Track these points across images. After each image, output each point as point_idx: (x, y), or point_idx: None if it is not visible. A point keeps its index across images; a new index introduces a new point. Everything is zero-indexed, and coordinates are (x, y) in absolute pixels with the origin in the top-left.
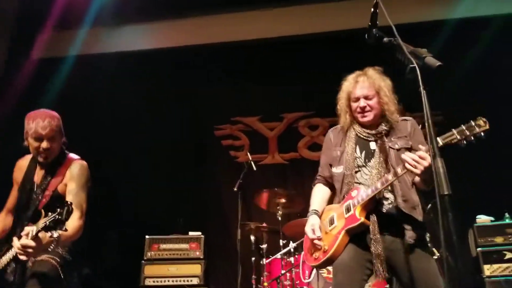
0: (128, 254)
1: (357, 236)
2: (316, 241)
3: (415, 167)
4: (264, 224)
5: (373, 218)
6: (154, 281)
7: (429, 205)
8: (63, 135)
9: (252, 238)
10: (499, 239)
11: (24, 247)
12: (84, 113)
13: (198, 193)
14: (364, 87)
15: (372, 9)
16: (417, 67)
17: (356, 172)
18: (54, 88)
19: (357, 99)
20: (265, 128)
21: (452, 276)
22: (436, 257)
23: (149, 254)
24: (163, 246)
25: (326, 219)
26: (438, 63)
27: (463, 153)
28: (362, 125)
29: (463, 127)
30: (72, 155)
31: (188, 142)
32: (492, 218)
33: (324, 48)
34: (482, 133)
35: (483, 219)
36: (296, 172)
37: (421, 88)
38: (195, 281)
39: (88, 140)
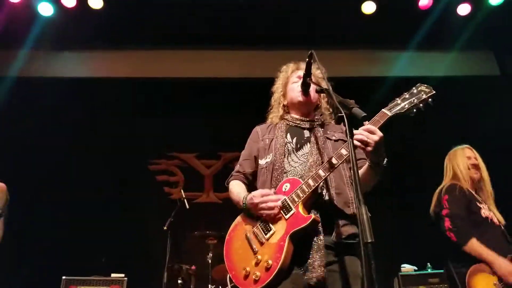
0: None
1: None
2: (253, 256)
3: (367, 144)
4: (193, 267)
5: (317, 215)
6: None
7: None
8: None
9: (180, 281)
10: None
11: None
12: (11, 137)
13: (125, 231)
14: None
15: (307, 59)
16: (345, 116)
17: (284, 158)
18: None
19: (300, 78)
20: (202, 165)
21: None
22: None
23: None
24: None
25: (257, 225)
26: (363, 114)
27: (390, 203)
28: (295, 111)
29: (406, 95)
30: None
31: (119, 175)
32: (416, 268)
33: (267, 91)
34: (430, 99)
35: (407, 268)
36: (231, 212)
37: (348, 136)
38: None
39: (9, 164)
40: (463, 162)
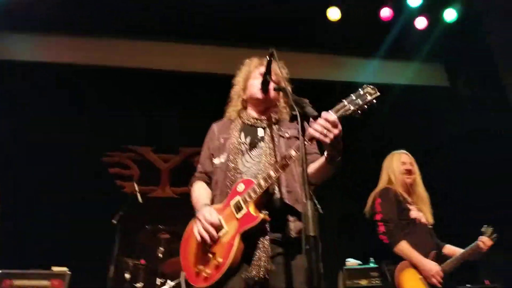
0: None
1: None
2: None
3: (325, 136)
4: (142, 261)
5: (267, 213)
6: None
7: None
8: None
9: (127, 276)
10: (364, 282)
11: None
12: None
13: (70, 223)
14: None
15: (267, 58)
16: (298, 114)
17: (238, 158)
18: None
19: (262, 75)
20: (159, 159)
21: None
22: None
23: None
24: (17, 282)
25: None
26: (315, 113)
27: (339, 203)
28: (253, 107)
29: (353, 96)
30: None
31: (67, 167)
32: (360, 262)
33: (229, 88)
34: (374, 100)
35: (351, 262)
36: (186, 207)
37: (300, 134)
38: None
39: None
40: (398, 167)
